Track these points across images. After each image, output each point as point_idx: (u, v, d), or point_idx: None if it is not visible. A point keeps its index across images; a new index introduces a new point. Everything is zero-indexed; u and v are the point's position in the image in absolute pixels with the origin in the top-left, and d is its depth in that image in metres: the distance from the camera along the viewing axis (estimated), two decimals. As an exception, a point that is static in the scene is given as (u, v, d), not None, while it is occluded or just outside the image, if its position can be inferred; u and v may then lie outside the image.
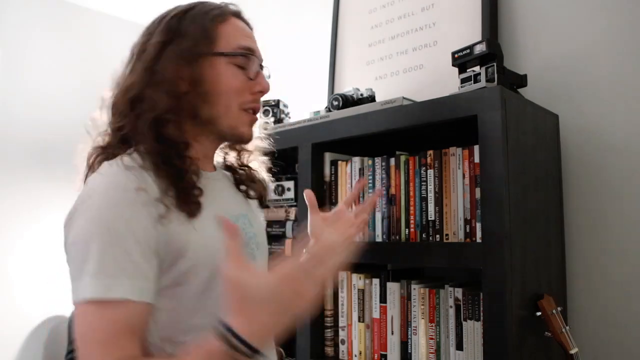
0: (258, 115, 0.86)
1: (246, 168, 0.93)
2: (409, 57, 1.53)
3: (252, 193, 0.92)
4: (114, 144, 0.76)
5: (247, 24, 0.85)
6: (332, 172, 1.31)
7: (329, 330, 1.29)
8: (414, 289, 1.14)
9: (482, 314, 0.99)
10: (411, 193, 1.15)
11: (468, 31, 1.38)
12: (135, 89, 0.75)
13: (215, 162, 0.89)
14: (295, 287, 0.62)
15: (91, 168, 0.76)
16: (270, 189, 0.99)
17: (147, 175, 0.71)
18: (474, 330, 1.03)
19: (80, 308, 0.65)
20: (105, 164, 0.73)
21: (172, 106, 0.75)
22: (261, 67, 0.84)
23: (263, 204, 0.96)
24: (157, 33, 0.77)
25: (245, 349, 0.58)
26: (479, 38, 1.33)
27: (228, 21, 0.81)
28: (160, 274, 0.69)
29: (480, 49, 1.07)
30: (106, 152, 0.76)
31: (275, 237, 1.43)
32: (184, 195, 0.72)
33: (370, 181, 1.23)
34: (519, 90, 1.13)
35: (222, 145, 0.89)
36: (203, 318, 0.72)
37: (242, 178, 0.92)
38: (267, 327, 0.61)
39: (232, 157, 0.93)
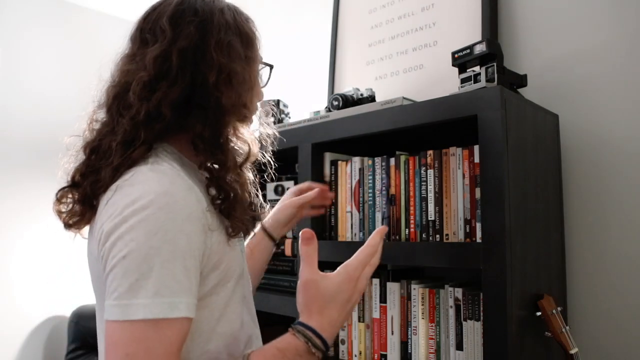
0: (257, 116, 0.87)
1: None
2: (409, 57, 1.53)
3: None
4: (138, 139, 0.69)
5: None
6: (332, 172, 1.31)
7: (329, 330, 1.29)
8: (414, 289, 1.14)
9: (482, 314, 0.99)
10: (411, 193, 1.15)
11: (468, 31, 1.38)
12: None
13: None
14: (356, 285, 0.72)
15: (117, 170, 0.68)
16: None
17: (196, 187, 0.69)
18: (474, 330, 1.03)
19: (130, 327, 0.59)
20: (148, 171, 0.66)
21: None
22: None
23: None
24: (188, 22, 0.72)
25: (323, 345, 0.68)
26: (479, 38, 1.33)
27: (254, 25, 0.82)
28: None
29: (480, 49, 1.07)
30: (135, 150, 0.69)
31: (275, 237, 1.42)
32: (237, 221, 0.74)
33: (371, 181, 1.23)
34: (519, 90, 1.13)
35: None
36: (225, 326, 0.73)
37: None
38: (338, 324, 0.71)
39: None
